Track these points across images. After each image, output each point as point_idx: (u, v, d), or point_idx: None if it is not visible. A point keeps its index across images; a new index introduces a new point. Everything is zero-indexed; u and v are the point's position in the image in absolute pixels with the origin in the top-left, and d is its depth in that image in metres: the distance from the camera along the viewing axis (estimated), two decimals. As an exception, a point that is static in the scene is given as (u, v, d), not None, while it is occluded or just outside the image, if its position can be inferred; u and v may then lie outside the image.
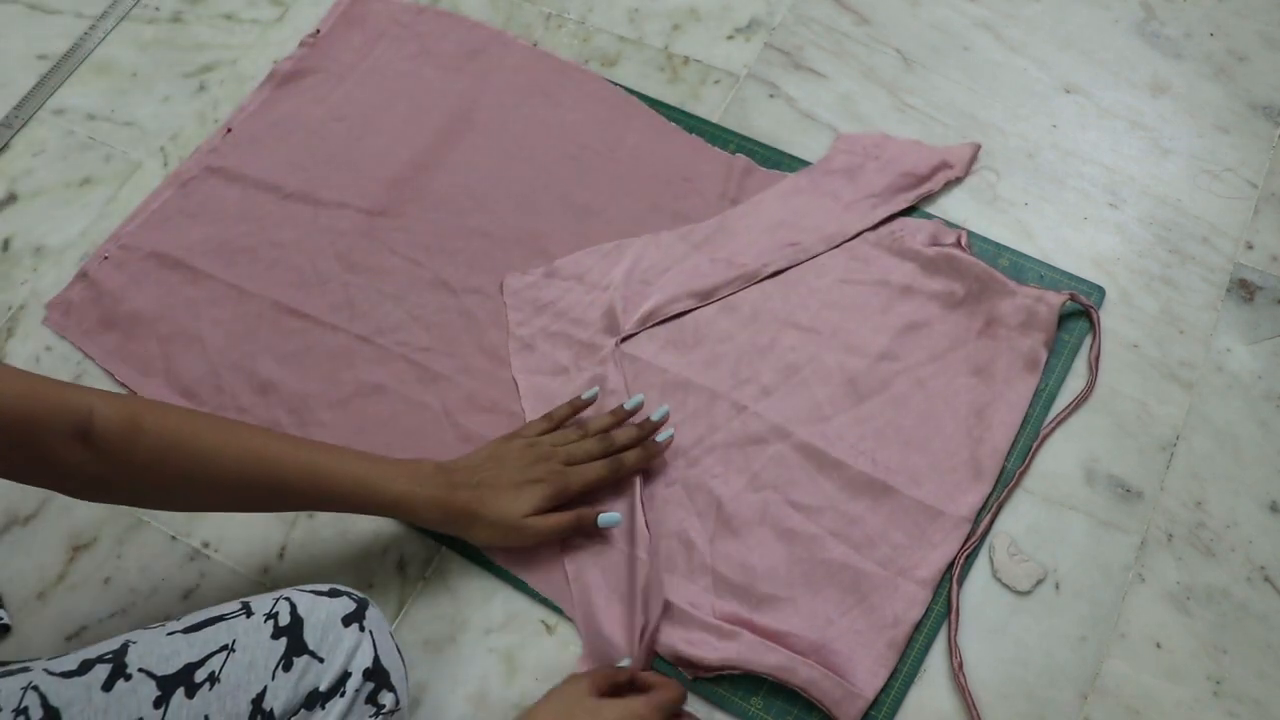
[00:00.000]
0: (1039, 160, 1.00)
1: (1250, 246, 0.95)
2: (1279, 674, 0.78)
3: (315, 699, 0.65)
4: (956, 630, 0.80)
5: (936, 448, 0.86)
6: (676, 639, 0.79)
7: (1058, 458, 0.86)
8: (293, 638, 0.66)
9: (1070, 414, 0.88)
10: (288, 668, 0.65)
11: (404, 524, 0.87)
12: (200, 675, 0.63)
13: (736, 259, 0.95)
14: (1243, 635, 0.79)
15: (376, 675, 0.67)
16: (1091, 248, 0.95)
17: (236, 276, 1.00)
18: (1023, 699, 0.78)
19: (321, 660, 0.65)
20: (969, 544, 0.82)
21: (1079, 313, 0.91)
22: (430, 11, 1.15)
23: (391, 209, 1.02)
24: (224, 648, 0.64)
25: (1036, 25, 1.08)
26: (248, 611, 0.67)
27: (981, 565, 0.83)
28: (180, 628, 0.66)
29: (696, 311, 0.94)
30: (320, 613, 0.67)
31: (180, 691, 0.62)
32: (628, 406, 0.87)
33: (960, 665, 0.78)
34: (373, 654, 0.67)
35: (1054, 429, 0.87)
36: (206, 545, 0.88)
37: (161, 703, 0.62)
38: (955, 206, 0.98)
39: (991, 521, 0.84)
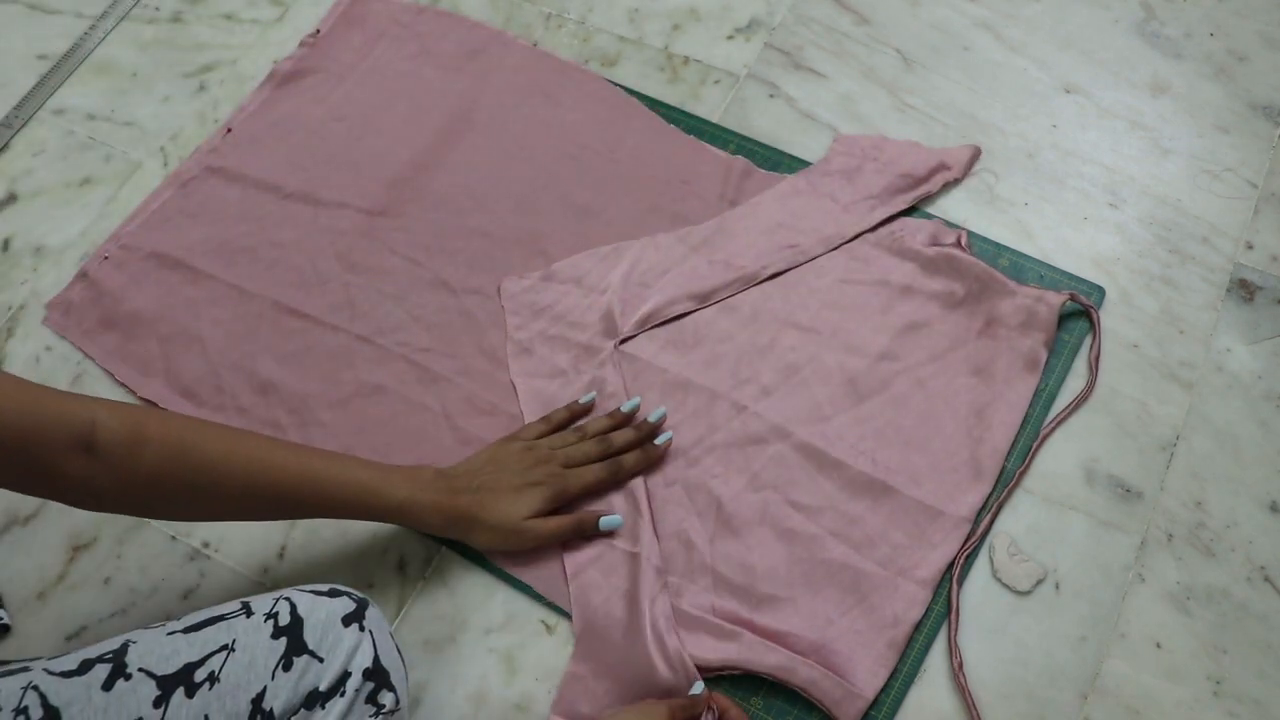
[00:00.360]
0: (1039, 160, 1.00)
1: (1250, 246, 0.95)
2: (1279, 674, 0.78)
3: (315, 699, 0.65)
4: (956, 630, 0.80)
5: (936, 448, 0.86)
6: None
7: (1058, 458, 0.86)
8: (293, 637, 0.66)
9: (1070, 414, 0.88)
10: (287, 667, 0.65)
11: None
12: (200, 675, 0.63)
13: (735, 261, 0.95)
14: (1243, 635, 0.79)
15: (376, 675, 0.67)
16: (1091, 248, 0.95)
17: (236, 276, 1.00)
18: (1023, 699, 0.78)
19: (321, 660, 0.65)
20: (969, 544, 0.82)
21: (1079, 313, 0.91)
22: (430, 11, 1.15)
23: (391, 209, 1.02)
24: (224, 647, 0.64)
25: (1036, 25, 1.08)
26: (248, 611, 0.67)
27: (981, 565, 0.83)
28: (180, 627, 0.66)
29: (696, 312, 0.94)
30: (320, 613, 0.67)
31: (180, 691, 0.62)
32: (625, 409, 0.87)
33: (960, 665, 0.78)
34: (373, 654, 0.67)
35: (1054, 429, 0.87)
36: (206, 545, 0.88)
37: (161, 702, 0.62)
38: (955, 206, 0.98)
39: (991, 521, 0.84)
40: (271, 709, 0.63)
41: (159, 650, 0.64)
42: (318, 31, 1.14)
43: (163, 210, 1.04)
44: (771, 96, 1.06)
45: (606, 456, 0.84)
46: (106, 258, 1.02)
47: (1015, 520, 0.84)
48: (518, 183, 1.03)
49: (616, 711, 0.74)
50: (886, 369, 0.89)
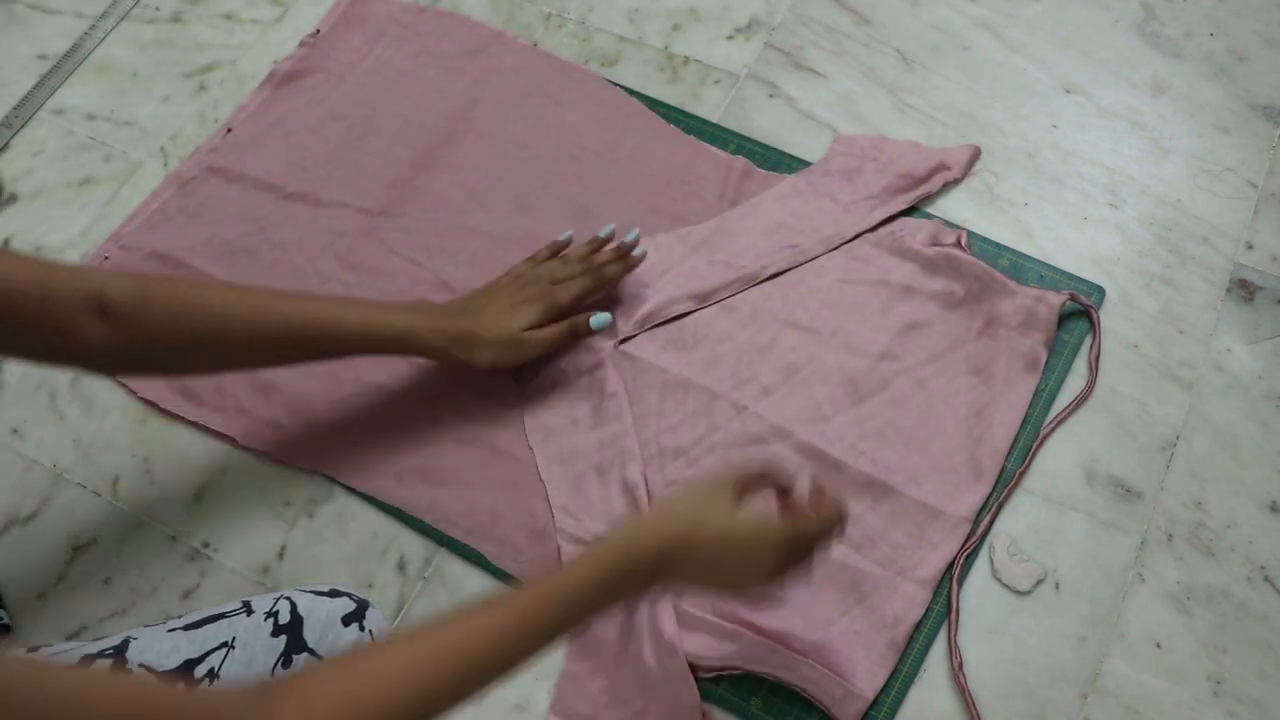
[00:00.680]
0: (1039, 160, 1.00)
1: (1250, 246, 0.95)
2: (1279, 674, 0.78)
3: None
4: (956, 630, 0.80)
5: (936, 448, 0.86)
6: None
7: (1058, 458, 0.86)
8: (292, 636, 0.66)
9: (1070, 414, 0.88)
10: (286, 665, 0.65)
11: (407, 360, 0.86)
12: (200, 671, 0.63)
13: (735, 261, 0.95)
14: (1243, 635, 0.79)
15: None
16: (1091, 248, 0.95)
17: (237, 276, 0.99)
18: (1023, 699, 0.78)
19: (320, 659, 0.66)
20: (969, 544, 0.82)
21: (1079, 313, 0.91)
22: (430, 11, 1.15)
23: (391, 209, 1.02)
24: (224, 645, 0.65)
25: (1036, 25, 1.08)
26: (248, 610, 0.67)
27: (981, 565, 0.83)
28: (181, 625, 0.66)
29: (696, 312, 0.94)
30: (320, 612, 0.67)
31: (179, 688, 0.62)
32: (602, 234, 0.93)
33: (960, 665, 0.78)
34: None
35: (1054, 429, 0.87)
36: (206, 545, 0.88)
37: None
38: (955, 206, 0.98)
39: (991, 521, 0.84)
40: None
41: (159, 646, 0.64)
42: (318, 31, 1.14)
43: (163, 210, 1.04)
44: (771, 96, 1.06)
45: (589, 272, 0.89)
46: (106, 258, 1.02)
47: (1015, 520, 0.84)
48: (518, 183, 1.03)
49: (689, 485, 0.69)
50: (886, 369, 0.89)
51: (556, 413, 0.90)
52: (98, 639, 0.66)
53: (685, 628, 0.79)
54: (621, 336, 0.93)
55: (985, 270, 0.91)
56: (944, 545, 0.82)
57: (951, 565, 0.82)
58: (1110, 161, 1.00)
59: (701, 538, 0.64)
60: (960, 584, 0.81)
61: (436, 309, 0.86)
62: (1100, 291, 0.93)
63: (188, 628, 0.66)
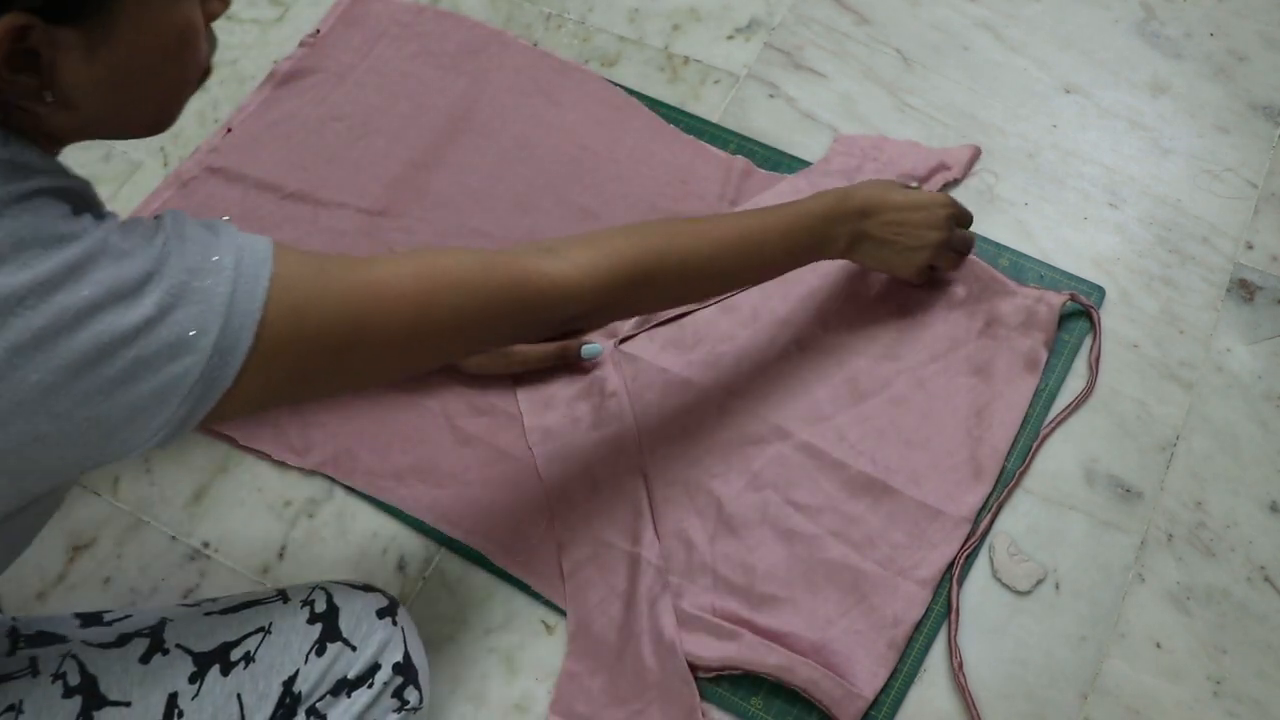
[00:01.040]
0: (1039, 160, 1.00)
1: (1250, 246, 0.95)
2: (1279, 674, 0.78)
3: (343, 686, 0.66)
4: (956, 630, 0.80)
5: (936, 447, 0.86)
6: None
7: (1058, 458, 0.86)
8: (328, 624, 0.67)
9: (1070, 414, 0.88)
10: (320, 653, 0.66)
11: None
12: (236, 654, 0.64)
13: (736, 259, 0.95)
14: (1243, 635, 0.79)
15: (406, 670, 0.68)
16: (1091, 248, 0.95)
17: (236, 276, 0.99)
18: (1023, 699, 0.78)
19: (354, 649, 0.66)
20: (969, 544, 0.82)
21: (1079, 313, 0.91)
22: (430, 11, 1.15)
23: (391, 209, 1.02)
24: (260, 629, 0.65)
25: (1036, 25, 1.08)
26: (284, 598, 0.68)
27: (981, 565, 0.83)
28: (217, 609, 0.67)
29: (696, 312, 0.94)
30: (356, 603, 0.68)
31: (215, 669, 0.63)
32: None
33: (960, 665, 0.78)
34: (403, 649, 0.68)
35: (1054, 429, 0.87)
36: (206, 545, 0.88)
37: (197, 678, 0.63)
38: (955, 206, 0.98)
39: (991, 521, 0.84)
40: (300, 692, 0.64)
41: (196, 628, 0.65)
42: (318, 31, 1.14)
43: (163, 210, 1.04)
44: (771, 96, 1.06)
45: None
46: (106, 258, 1.02)
47: (1015, 520, 0.84)
48: (518, 182, 1.03)
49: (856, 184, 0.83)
50: (886, 369, 0.89)
51: (556, 413, 0.90)
52: (128, 616, 0.67)
53: (685, 628, 0.80)
54: (622, 336, 0.93)
55: (985, 270, 0.91)
56: (944, 545, 0.82)
57: (951, 565, 0.82)
58: (1110, 161, 1.00)
59: (892, 199, 0.82)
60: (960, 584, 0.81)
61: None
62: (1100, 291, 0.93)
63: (224, 612, 0.67)
